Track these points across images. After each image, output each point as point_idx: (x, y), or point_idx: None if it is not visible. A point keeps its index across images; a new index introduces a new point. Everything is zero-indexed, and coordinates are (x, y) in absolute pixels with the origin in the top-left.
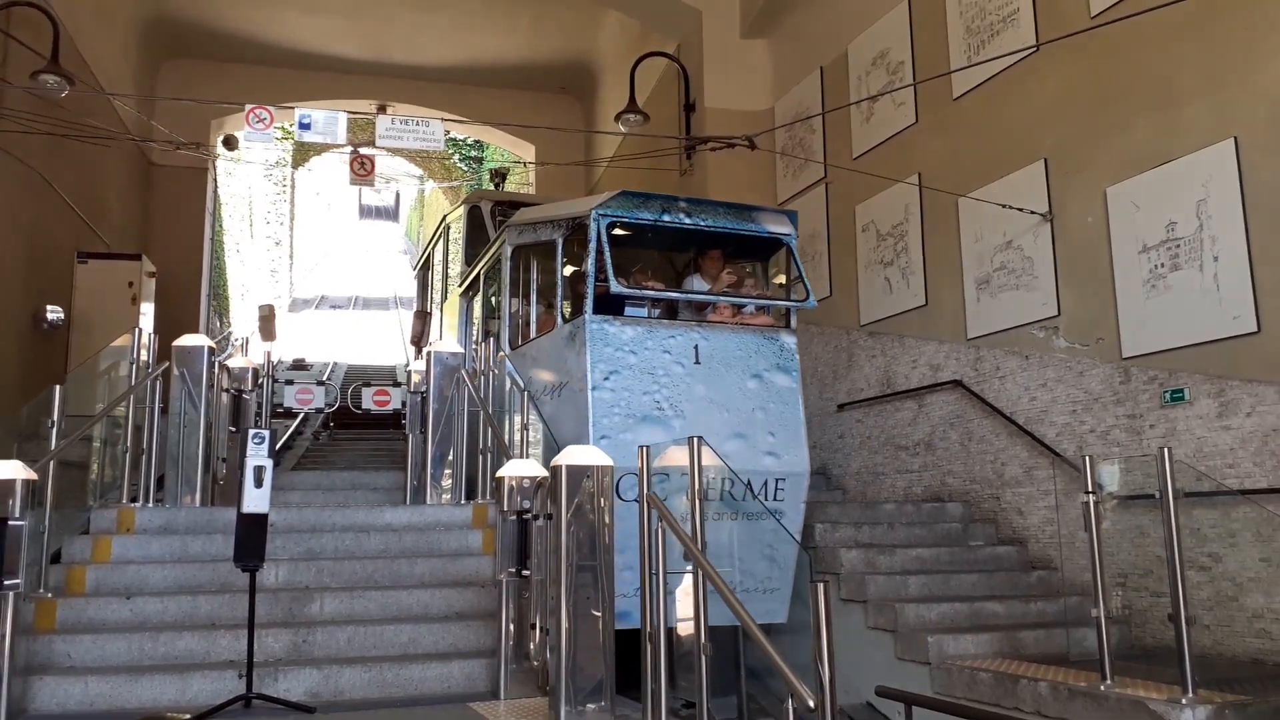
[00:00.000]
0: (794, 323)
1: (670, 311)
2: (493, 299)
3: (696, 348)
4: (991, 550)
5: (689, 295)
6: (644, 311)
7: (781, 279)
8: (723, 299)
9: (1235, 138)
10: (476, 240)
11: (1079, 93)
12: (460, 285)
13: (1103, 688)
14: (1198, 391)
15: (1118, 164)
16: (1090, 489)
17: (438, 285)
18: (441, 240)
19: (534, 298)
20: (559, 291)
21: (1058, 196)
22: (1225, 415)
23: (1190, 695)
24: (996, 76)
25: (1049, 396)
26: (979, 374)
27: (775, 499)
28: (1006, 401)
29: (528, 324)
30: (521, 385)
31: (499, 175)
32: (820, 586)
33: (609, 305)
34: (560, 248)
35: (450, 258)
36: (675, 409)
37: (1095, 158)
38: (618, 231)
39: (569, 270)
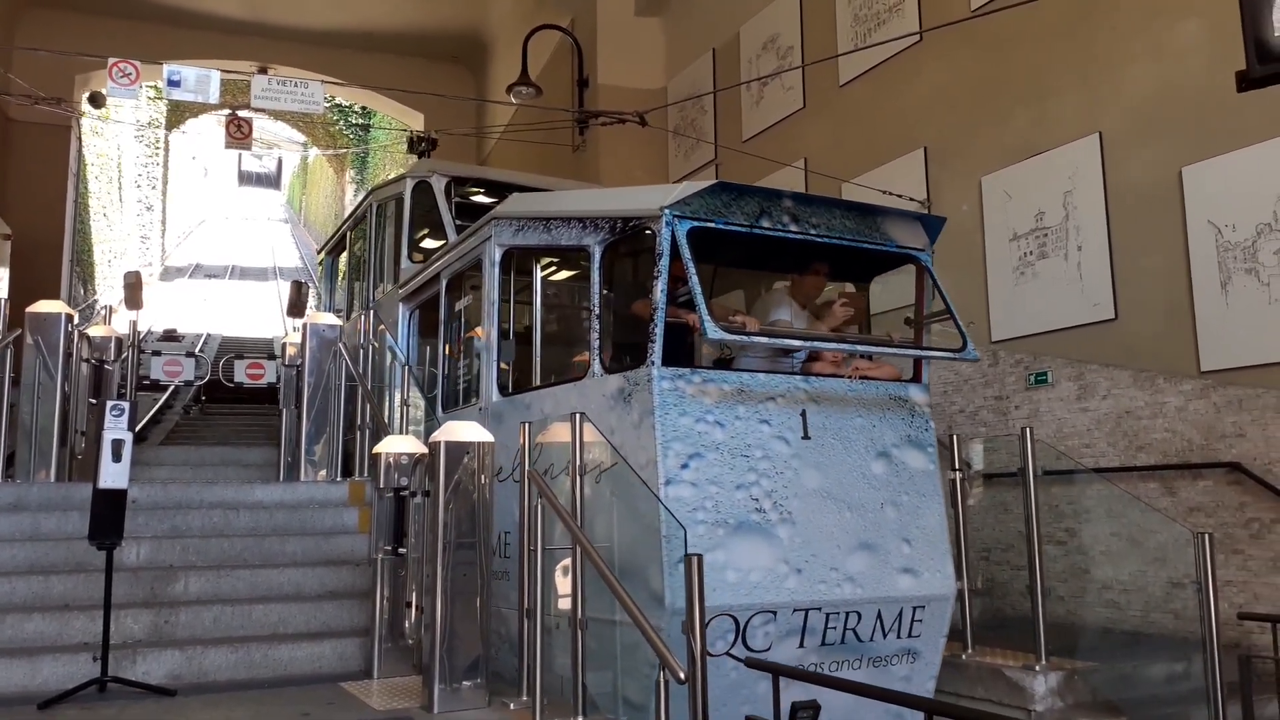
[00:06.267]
0: (925, 376)
1: (687, 352)
2: (462, 315)
3: (804, 415)
4: None
5: (823, 342)
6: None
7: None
8: (862, 347)
9: (1100, 133)
10: (425, 226)
11: (958, 85)
12: (401, 287)
13: (964, 657)
14: (1060, 375)
15: (992, 154)
16: (957, 467)
17: (359, 280)
18: (370, 222)
19: (539, 326)
20: (593, 325)
21: (935, 184)
22: (1084, 397)
23: (1044, 663)
24: (881, 65)
25: None
26: None
27: (911, 634)
28: None
29: (530, 363)
30: (404, 360)
31: (428, 142)
32: (694, 560)
33: (678, 351)
34: (597, 259)
35: (381, 246)
36: (780, 509)
37: (972, 147)
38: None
39: (612, 293)
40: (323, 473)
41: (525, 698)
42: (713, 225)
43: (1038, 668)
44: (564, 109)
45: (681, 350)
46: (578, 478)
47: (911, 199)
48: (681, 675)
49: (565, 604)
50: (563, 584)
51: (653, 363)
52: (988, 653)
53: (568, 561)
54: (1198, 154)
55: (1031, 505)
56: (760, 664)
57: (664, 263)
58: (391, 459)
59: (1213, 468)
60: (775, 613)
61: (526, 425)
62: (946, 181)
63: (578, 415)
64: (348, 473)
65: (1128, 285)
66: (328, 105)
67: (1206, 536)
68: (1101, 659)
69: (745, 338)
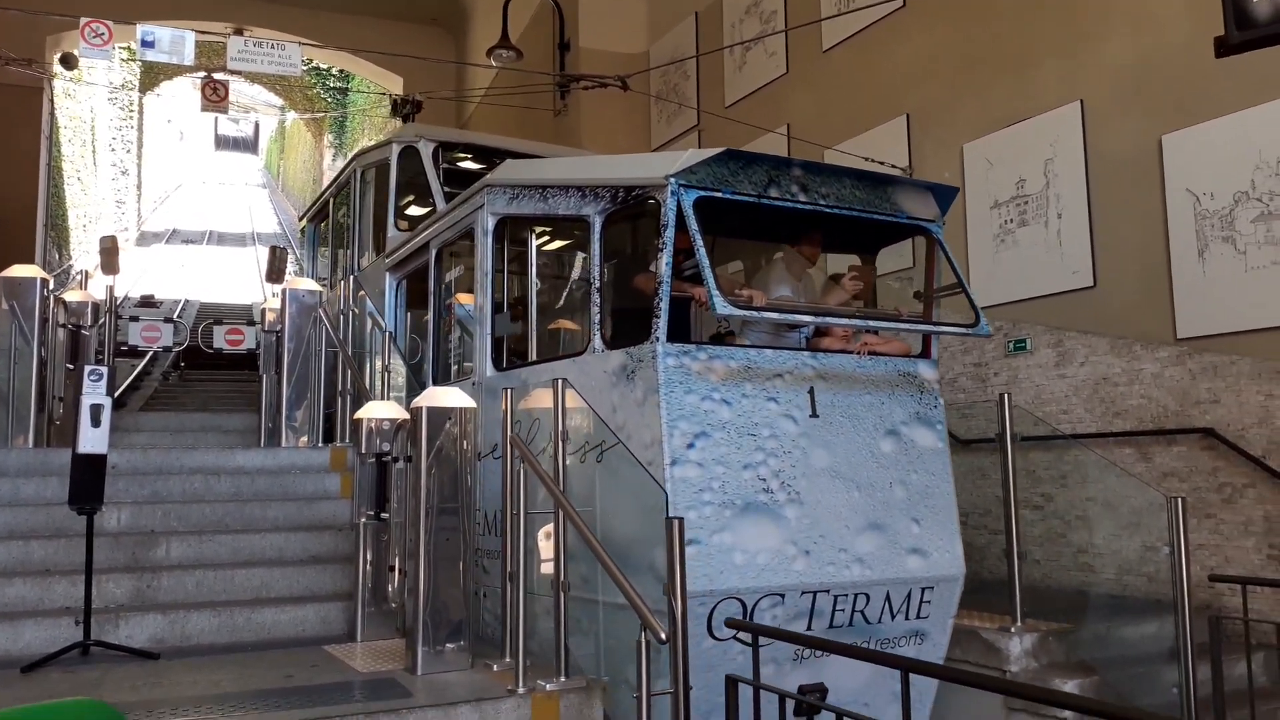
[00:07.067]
0: (935, 351)
1: (686, 327)
2: (452, 286)
3: (812, 393)
4: None
5: (835, 318)
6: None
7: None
8: (872, 322)
9: (1081, 101)
10: (412, 192)
11: (942, 52)
12: (388, 256)
13: None
14: (1038, 342)
15: (974, 121)
16: None
17: (343, 249)
18: (355, 188)
19: (535, 299)
20: (593, 298)
21: (918, 151)
22: (1062, 364)
23: (1019, 625)
24: (864, 31)
25: None
26: None
27: (919, 616)
28: None
29: (524, 337)
30: (384, 326)
31: (412, 105)
32: (675, 524)
33: (679, 326)
34: (598, 229)
35: (365, 214)
36: (788, 490)
37: (954, 115)
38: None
39: (613, 266)
40: (304, 438)
41: (508, 659)
42: (720, 195)
43: (1013, 629)
44: (545, 73)
45: (681, 325)
46: (560, 442)
47: (894, 166)
48: (663, 635)
49: (548, 568)
50: (546, 548)
51: (657, 338)
52: (965, 615)
53: (550, 526)
54: (1178, 122)
55: (1009, 470)
56: (739, 624)
57: (669, 234)
58: (373, 424)
59: (1187, 433)
60: (783, 595)
61: (509, 391)
62: (929, 148)
63: (560, 381)
64: (329, 439)
65: (1106, 253)
66: (305, 68)
67: (1180, 501)
68: (1076, 620)
69: (755, 313)
